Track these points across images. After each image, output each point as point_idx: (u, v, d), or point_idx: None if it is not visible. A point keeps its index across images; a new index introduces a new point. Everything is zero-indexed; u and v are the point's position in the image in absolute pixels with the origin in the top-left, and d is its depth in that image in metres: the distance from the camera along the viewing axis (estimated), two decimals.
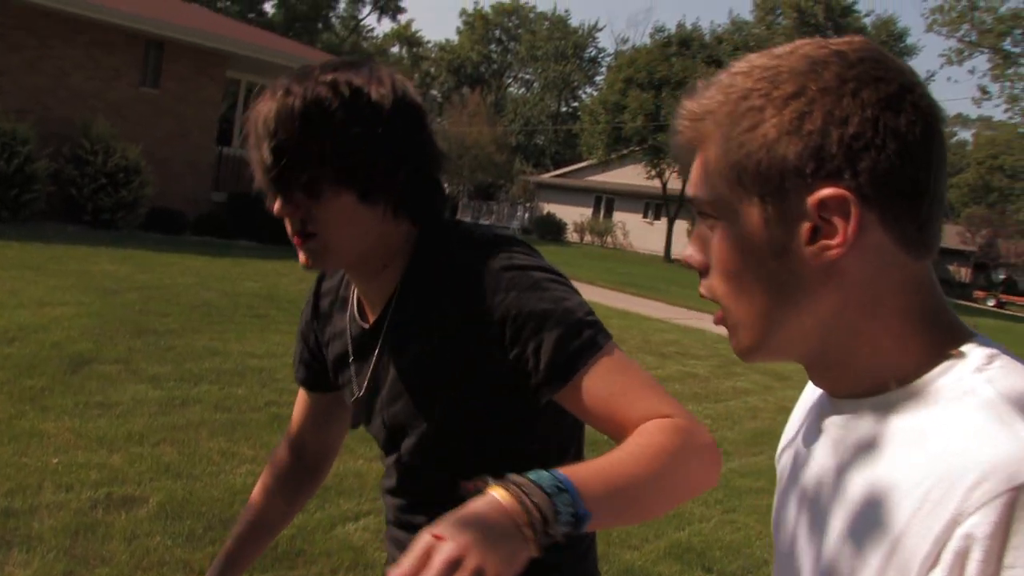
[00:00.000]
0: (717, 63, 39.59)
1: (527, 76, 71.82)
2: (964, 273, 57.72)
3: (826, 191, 0.88)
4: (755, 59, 0.97)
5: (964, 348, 0.91)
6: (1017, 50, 34.88)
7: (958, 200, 70.92)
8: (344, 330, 1.69)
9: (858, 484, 0.92)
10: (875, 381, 0.94)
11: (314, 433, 1.89)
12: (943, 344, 0.92)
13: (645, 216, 44.03)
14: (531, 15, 72.71)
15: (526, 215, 49.11)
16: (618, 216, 44.95)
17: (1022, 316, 43.43)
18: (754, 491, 6.31)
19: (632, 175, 42.79)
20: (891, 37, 39.79)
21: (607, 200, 45.42)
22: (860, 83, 0.90)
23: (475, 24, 72.55)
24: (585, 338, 1.43)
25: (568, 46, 67.41)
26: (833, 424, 1.00)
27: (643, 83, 39.22)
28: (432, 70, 71.89)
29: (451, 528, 0.94)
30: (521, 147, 61.98)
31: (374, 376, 1.63)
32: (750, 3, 43.35)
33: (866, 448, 0.93)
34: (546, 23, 70.10)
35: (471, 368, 1.50)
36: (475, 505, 1.00)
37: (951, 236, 57.20)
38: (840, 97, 0.89)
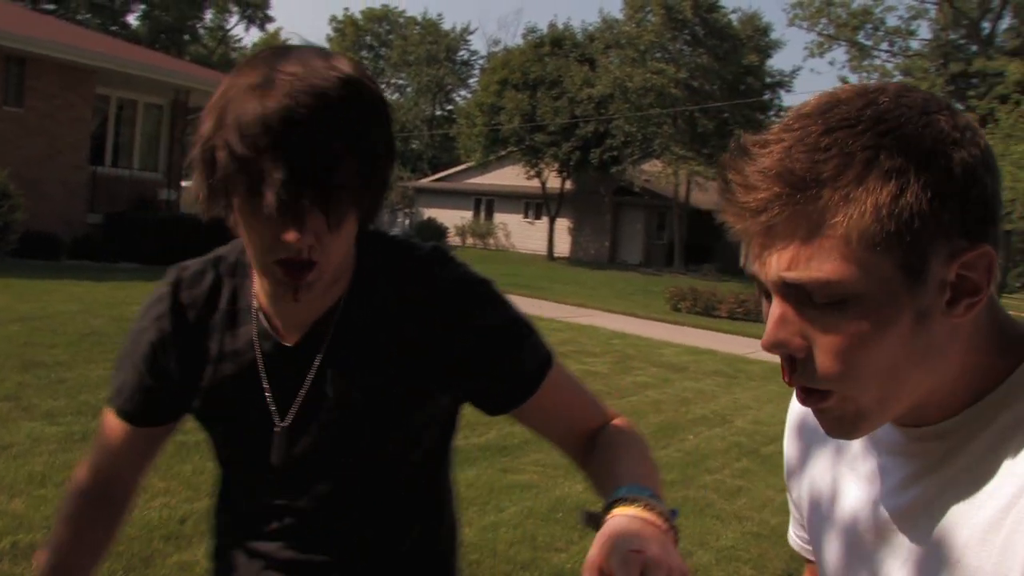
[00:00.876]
0: (590, 61, 40.10)
1: (400, 81, 71.36)
2: None
3: (973, 251, 0.86)
4: (840, 108, 0.87)
5: None
6: (870, 43, 36.36)
7: None
8: (246, 349, 1.43)
9: (953, 509, 0.91)
10: (960, 404, 0.93)
11: (131, 470, 1.60)
12: (1016, 355, 0.92)
13: (526, 216, 44.26)
14: (401, 20, 72.40)
15: (407, 221, 48.87)
16: (499, 217, 45.10)
17: None
18: (668, 484, 6.37)
19: (511, 176, 43.01)
20: (757, 32, 40.85)
21: (487, 202, 45.52)
22: (970, 129, 0.88)
23: (345, 31, 71.78)
24: (541, 351, 1.48)
25: (440, 50, 67.30)
26: (905, 451, 0.98)
27: (518, 84, 39.50)
28: None
29: (645, 543, 1.02)
30: (399, 153, 61.65)
31: (308, 403, 1.42)
32: (620, 2, 43.99)
33: (959, 467, 0.92)
34: (417, 27, 69.87)
35: (425, 393, 1.45)
36: (629, 523, 1.09)
37: None
38: (968, 147, 0.86)
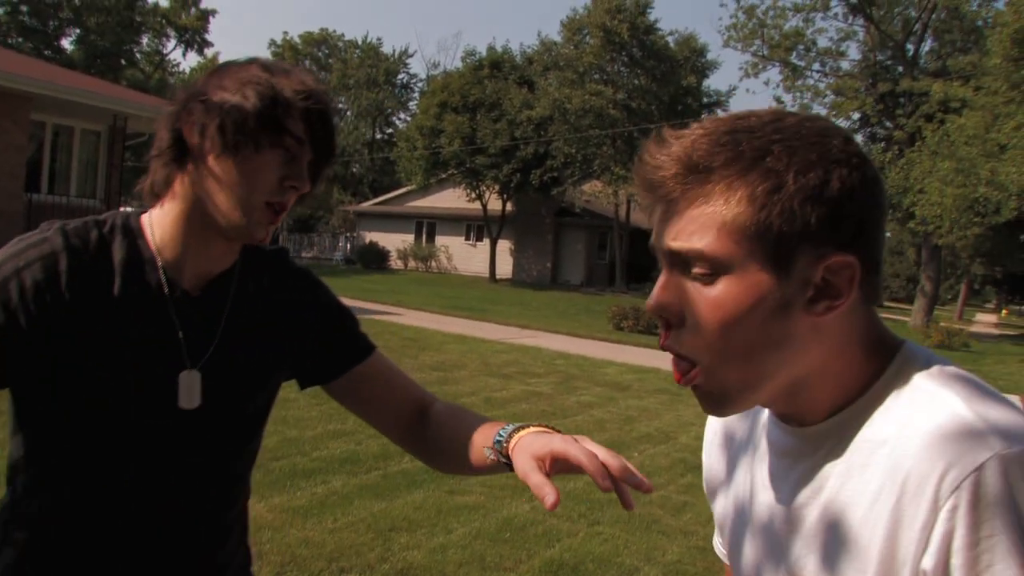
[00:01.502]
0: (529, 84, 40.34)
1: (340, 105, 71.21)
2: None
3: (838, 258, 0.97)
4: (752, 118, 1.01)
5: (899, 357, 1.04)
6: (802, 63, 37.05)
7: None
8: (155, 295, 1.51)
9: (840, 497, 1.02)
10: (834, 404, 1.04)
11: None
12: (882, 361, 1.04)
13: (467, 238, 44.29)
14: (340, 43, 72.30)
15: (348, 245, 48.71)
16: (440, 240, 45.07)
17: None
18: (613, 501, 6.45)
19: (452, 199, 43.04)
20: (693, 53, 41.39)
21: (428, 225, 45.49)
22: (859, 157, 1.00)
23: (284, 55, 71.51)
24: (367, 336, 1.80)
25: (379, 73, 67.29)
26: (793, 449, 1.09)
27: (458, 107, 39.54)
28: None
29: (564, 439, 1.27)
30: (338, 177, 61.42)
31: (219, 350, 1.56)
32: (558, 24, 44.22)
33: (840, 461, 1.03)
34: (357, 51, 69.84)
35: (284, 360, 1.69)
36: (538, 436, 1.34)
37: None
38: (851, 169, 0.98)
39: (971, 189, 23.52)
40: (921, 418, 0.95)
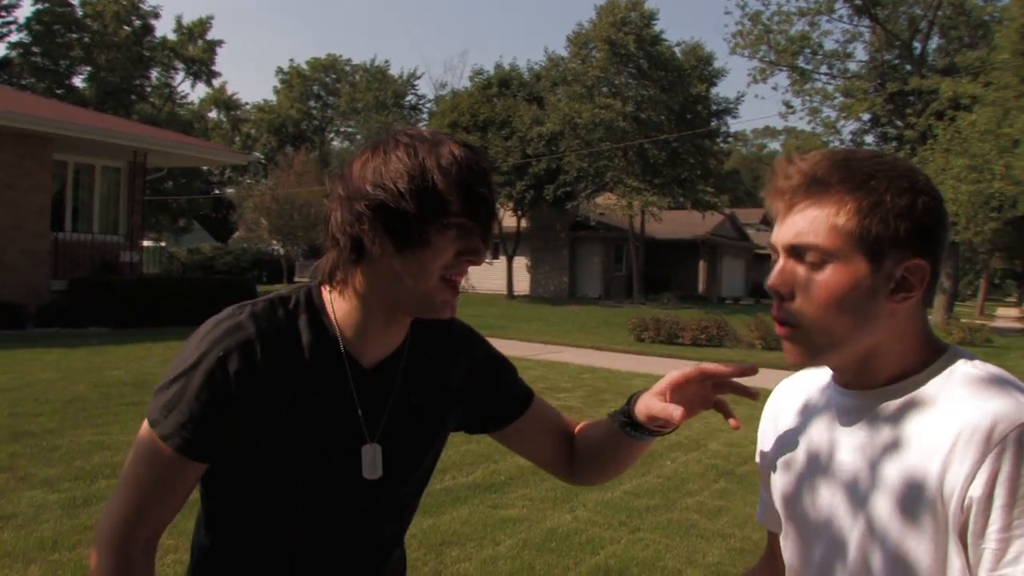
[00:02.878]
0: (538, 100, 40.53)
1: (350, 129, 71.75)
2: None
3: (916, 261, 1.31)
4: (859, 152, 1.37)
5: (950, 352, 1.37)
6: (810, 67, 37.17)
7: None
8: (337, 373, 1.62)
9: (901, 451, 1.31)
10: (892, 376, 1.37)
11: (172, 516, 1.62)
12: (934, 351, 1.38)
13: None
14: (347, 67, 72.79)
15: None
16: None
17: None
18: (652, 508, 6.66)
19: None
20: (700, 61, 41.54)
21: None
22: (935, 191, 1.35)
23: (292, 82, 72.13)
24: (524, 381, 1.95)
25: (388, 96, 67.73)
26: (857, 410, 1.39)
27: (468, 126, 39.70)
28: (253, 132, 70.93)
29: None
30: None
31: (392, 422, 1.68)
32: (563, 40, 44.36)
33: (900, 423, 1.33)
34: (364, 75, 70.24)
35: (455, 412, 1.83)
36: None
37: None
38: (930, 197, 1.33)
39: (986, 184, 23.61)
40: (972, 388, 1.28)
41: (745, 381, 1.58)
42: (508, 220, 40.33)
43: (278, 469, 1.60)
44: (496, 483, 7.17)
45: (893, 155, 1.41)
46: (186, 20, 68.26)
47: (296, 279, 49.15)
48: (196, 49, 63.57)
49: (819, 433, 1.47)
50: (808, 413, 1.53)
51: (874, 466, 1.34)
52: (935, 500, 1.24)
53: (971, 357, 1.35)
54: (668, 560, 5.52)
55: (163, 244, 46.50)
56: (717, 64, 45.27)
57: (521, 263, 42.68)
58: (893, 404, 1.35)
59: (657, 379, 1.63)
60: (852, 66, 37.84)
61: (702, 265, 47.23)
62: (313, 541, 1.66)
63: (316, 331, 1.61)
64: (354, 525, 1.69)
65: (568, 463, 1.92)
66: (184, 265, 40.57)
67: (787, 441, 1.55)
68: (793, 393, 1.61)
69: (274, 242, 47.85)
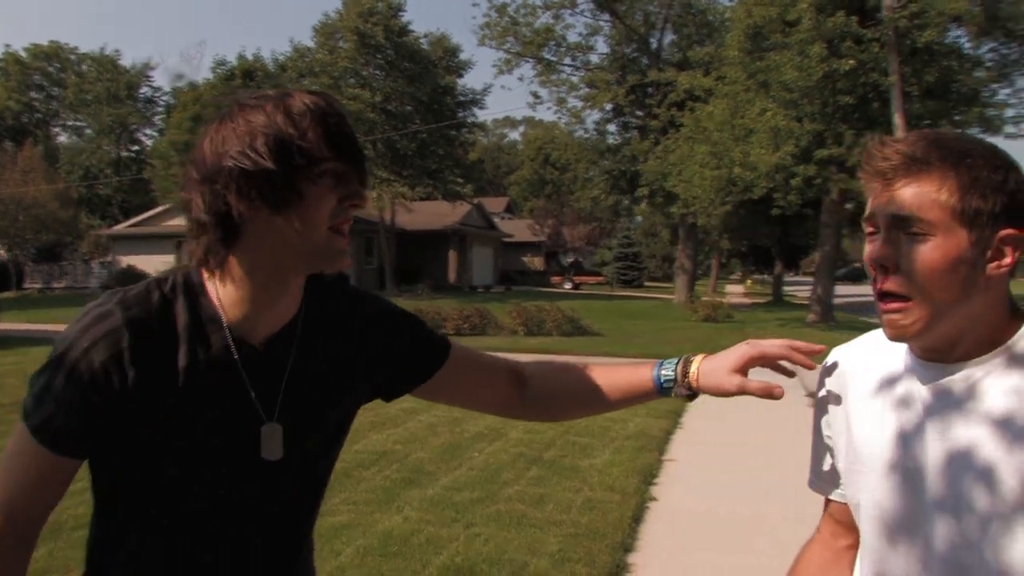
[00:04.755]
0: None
1: (79, 123, 67.58)
2: (538, 263, 62.33)
3: (1009, 231, 1.37)
4: (947, 133, 1.45)
5: None
6: (555, 59, 38.33)
7: (519, 195, 76.20)
8: (223, 355, 1.52)
9: (998, 423, 1.35)
10: (980, 348, 1.42)
11: (49, 510, 1.57)
12: (1021, 320, 1.44)
13: None
14: (73, 56, 68.54)
15: (105, 271, 46.32)
16: None
17: (594, 293, 47.59)
18: (476, 502, 6.63)
19: None
20: (447, 53, 42.02)
21: None
22: (1016, 162, 1.42)
23: (10, 70, 67.04)
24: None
25: (121, 87, 64.26)
26: (944, 382, 1.43)
27: (212, 118, 38.31)
28: None
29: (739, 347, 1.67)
30: (84, 200, 58.14)
31: (288, 402, 1.58)
32: (310, 29, 43.77)
33: (992, 393, 1.38)
34: (93, 64, 66.39)
35: (359, 390, 1.73)
36: (712, 359, 1.71)
37: (521, 229, 61.50)
38: (1020, 173, 1.41)
39: (727, 171, 25.00)
40: None
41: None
42: None
43: (165, 457, 1.51)
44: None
45: (975, 136, 1.51)
46: None
47: (26, 286, 45.97)
48: None
49: (903, 404, 1.49)
50: (886, 384, 1.54)
51: (971, 436, 1.37)
52: None
53: None
54: (512, 553, 5.47)
55: None
56: (463, 56, 45.89)
57: None
58: (982, 374, 1.40)
59: None
60: (594, 58, 39.45)
61: (452, 255, 47.73)
62: (217, 529, 1.57)
63: (194, 313, 1.53)
64: (261, 509, 1.60)
65: (516, 404, 1.88)
66: None
67: (866, 413, 1.56)
68: (859, 362, 1.62)
69: None
